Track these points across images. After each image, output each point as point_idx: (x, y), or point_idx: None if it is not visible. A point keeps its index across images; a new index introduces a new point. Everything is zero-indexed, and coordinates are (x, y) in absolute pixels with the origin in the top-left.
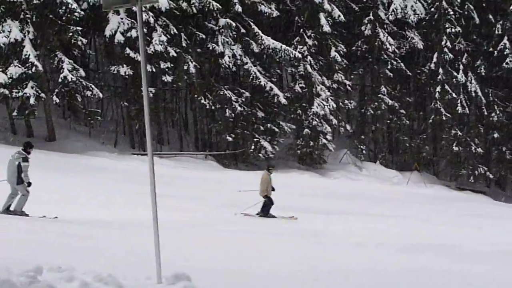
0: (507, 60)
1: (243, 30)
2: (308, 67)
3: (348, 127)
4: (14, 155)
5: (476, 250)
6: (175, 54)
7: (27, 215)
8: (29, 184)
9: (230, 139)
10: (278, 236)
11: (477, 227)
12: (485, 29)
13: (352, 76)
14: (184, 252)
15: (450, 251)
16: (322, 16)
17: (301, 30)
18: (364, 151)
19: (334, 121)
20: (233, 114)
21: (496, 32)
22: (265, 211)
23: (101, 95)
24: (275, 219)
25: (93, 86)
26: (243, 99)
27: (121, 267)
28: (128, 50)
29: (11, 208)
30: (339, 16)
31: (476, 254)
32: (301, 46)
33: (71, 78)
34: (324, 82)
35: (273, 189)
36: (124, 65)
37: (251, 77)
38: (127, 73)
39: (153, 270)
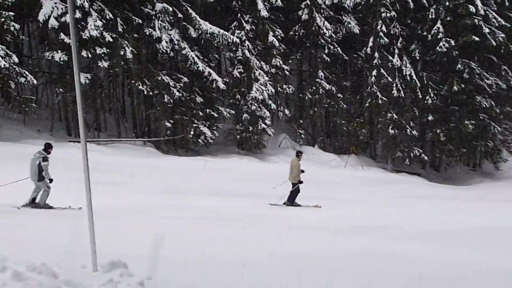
0: (441, 44)
1: (180, 15)
2: (246, 52)
3: (286, 111)
4: (36, 155)
5: (418, 232)
6: (111, 39)
7: (51, 207)
8: (51, 180)
9: (169, 125)
10: (218, 221)
11: (415, 208)
12: (419, 14)
13: (290, 61)
14: (122, 240)
15: (393, 233)
16: (259, 0)
17: (239, 14)
18: (302, 135)
19: (273, 106)
20: (171, 100)
21: (430, 16)
22: (292, 199)
23: (35, 81)
24: (300, 207)
25: (27, 73)
26: (182, 85)
27: (56, 256)
28: (62, 36)
29: (36, 201)
30: (276, 0)
31: (419, 235)
32: (239, 31)
33: (4, 65)
34: (263, 67)
35: (302, 171)
36: (59, 51)
37: (189, 63)
38: (62, 59)
39: (89, 258)
